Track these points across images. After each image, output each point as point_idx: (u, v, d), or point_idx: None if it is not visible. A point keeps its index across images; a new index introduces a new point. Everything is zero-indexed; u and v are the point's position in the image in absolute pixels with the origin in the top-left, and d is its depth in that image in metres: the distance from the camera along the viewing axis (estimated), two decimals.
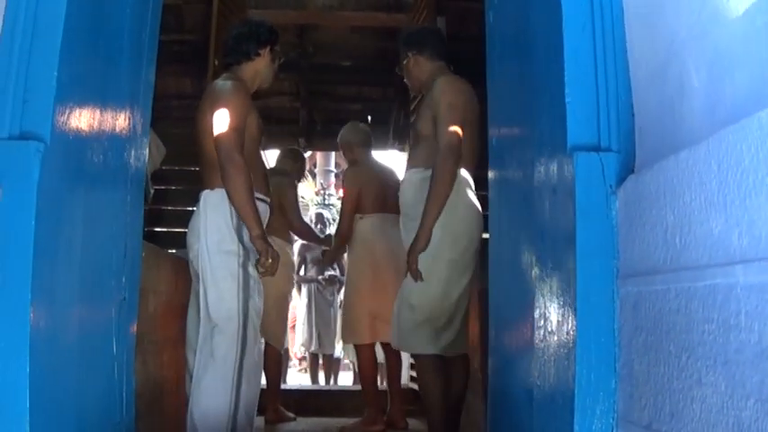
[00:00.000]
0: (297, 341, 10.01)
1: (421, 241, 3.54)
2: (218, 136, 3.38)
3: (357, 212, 5.22)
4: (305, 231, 6.00)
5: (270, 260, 3.37)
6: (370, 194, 5.21)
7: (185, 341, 3.57)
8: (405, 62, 4.00)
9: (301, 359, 11.67)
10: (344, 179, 5.55)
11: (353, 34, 8.53)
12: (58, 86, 1.94)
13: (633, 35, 1.94)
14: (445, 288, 3.63)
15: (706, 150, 1.37)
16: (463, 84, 3.77)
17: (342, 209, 5.48)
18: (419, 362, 3.82)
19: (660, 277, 1.55)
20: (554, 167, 2.04)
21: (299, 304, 9.54)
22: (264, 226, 3.50)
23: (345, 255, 6.08)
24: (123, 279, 2.51)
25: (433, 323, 3.65)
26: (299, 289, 9.13)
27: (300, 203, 6.24)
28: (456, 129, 3.57)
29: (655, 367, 1.56)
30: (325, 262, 8.08)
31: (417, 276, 3.57)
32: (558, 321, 1.97)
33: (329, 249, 5.91)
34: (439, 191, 3.52)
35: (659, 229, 1.56)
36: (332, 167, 16.20)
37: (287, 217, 5.48)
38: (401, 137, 8.80)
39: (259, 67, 3.76)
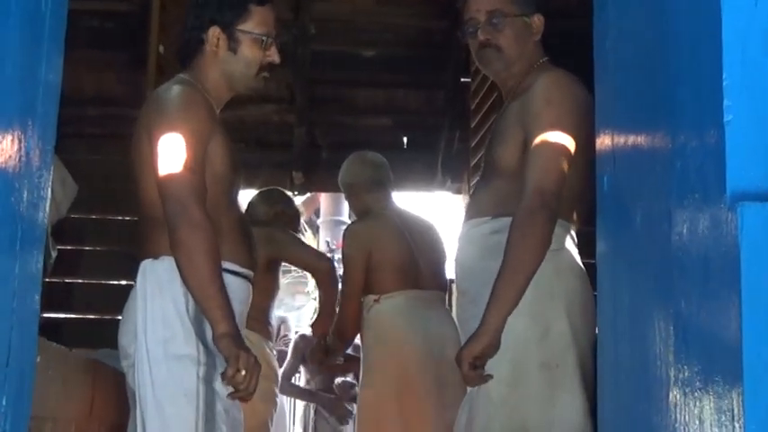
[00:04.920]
0: None
1: (483, 340, 3.27)
2: (164, 179, 3.32)
3: (369, 293, 5.18)
4: (332, 277, 5.82)
5: (243, 372, 3.25)
6: (389, 262, 5.19)
7: None
8: (511, 19, 3.68)
9: None
10: (344, 242, 5.54)
11: (381, 7, 8.57)
12: None
13: None
14: (544, 408, 3.43)
15: None
16: (580, 87, 3.48)
17: (342, 289, 5.44)
18: None
19: None
20: (705, 224, 2.00)
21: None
22: (243, 315, 3.45)
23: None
24: (3, 401, 2.48)
25: None
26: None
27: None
28: (560, 162, 3.36)
29: None
30: (322, 368, 7.90)
31: (476, 380, 3.33)
32: None
33: (319, 348, 5.82)
34: (519, 262, 3.27)
35: None
36: (344, 217, 16.24)
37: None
38: (455, 171, 8.77)
39: (218, 60, 3.65)
